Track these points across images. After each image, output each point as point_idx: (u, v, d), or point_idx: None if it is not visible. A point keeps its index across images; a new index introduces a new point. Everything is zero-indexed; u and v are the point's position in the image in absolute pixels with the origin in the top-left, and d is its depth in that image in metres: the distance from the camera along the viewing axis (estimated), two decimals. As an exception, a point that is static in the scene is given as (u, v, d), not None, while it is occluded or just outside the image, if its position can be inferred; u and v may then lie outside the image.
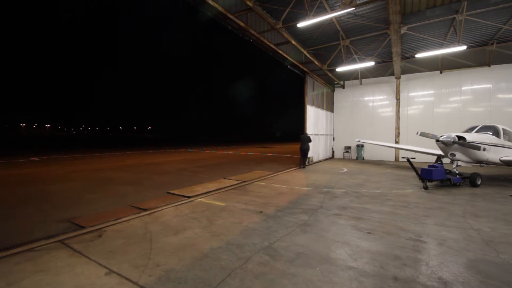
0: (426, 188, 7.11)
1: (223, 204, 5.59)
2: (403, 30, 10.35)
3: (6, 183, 7.98)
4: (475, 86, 13.16)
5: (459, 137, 7.33)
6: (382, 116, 15.90)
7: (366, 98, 16.53)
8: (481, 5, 9.23)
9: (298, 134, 13.71)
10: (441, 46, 11.56)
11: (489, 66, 12.71)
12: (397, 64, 13.19)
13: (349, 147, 16.81)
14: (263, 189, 7.19)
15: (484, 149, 7.39)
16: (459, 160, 7.55)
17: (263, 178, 8.99)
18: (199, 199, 5.97)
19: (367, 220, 4.50)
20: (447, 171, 7.53)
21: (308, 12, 8.20)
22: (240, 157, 19.05)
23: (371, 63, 12.72)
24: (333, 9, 8.33)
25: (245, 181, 8.24)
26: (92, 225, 4.23)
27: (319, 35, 11.86)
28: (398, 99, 15.11)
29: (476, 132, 8.16)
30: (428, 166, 7.36)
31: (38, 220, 4.64)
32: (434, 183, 7.48)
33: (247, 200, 5.93)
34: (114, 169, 11.54)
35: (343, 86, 17.29)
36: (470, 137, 7.42)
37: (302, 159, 12.35)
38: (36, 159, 15.22)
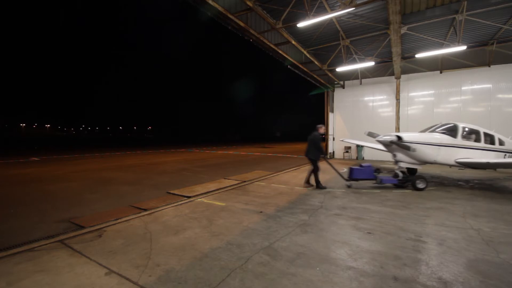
0: (349, 186, 7.28)
1: (223, 204, 5.58)
2: (403, 30, 10.35)
3: (6, 183, 7.98)
4: (475, 86, 13.15)
5: (400, 137, 6.90)
6: (382, 116, 15.89)
7: (366, 98, 16.52)
8: (481, 5, 9.22)
9: (298, 134, 13.74)
10: (441, 46, 11.56)
11: (489, 66, 12.70)
12: (397, 64, 13.18)
13: (349, 147, 16.80)
14: (263, 189, 7.18)
15: (415, 150, 6.88)
16: (401, 161, 7.21)
17: (263, 178, 8.99)
18: (199, 199, 5.96)
19: (367, 220, 4.50)
20: (376, 170, 7.41)
21: (308, 12, 8.20)
22: (240, 157, 19.05)
23: (371, 63, 12.71)
24: (333, 9, 8.33)
25: (245, 181, 8.24)
26: (92, 225, 4.23)
27: (319, 35, 11.86)
28: (398, 99, 15.10)
29: (431, 131, 7.64)
30: (360, 166, 7.37)
31: (38, 220, 4.64)
32: (389, 184, 7.29)
33: (247, 200, 5.93)
34: (114, 169, 11.54)
35: (343, 86, 17.29)
36: (408, 136, 6.99)
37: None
38: (36, 159, 15.23)
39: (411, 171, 9.62)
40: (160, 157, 17.68)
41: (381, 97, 15.98)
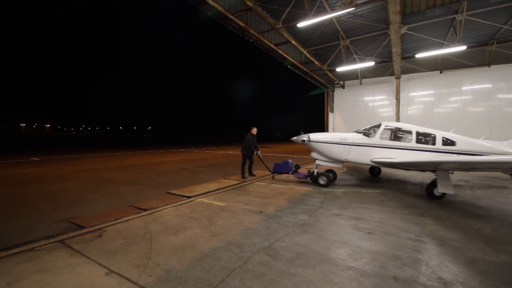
0: (273, 178, 8.50)
1: (223, 204, 5.58)
2: (403, 30, 10.36)
3: (6, 183, 7.97)
4: (475, 86, 13.16)
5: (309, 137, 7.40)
6: (382, 116, 15.90)
7: (366, 98, 16.54)
8: (481, 5, 9.24)
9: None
10: (441, 46, 11.57)
11: (489, 66, 12.71)
12: (397, 64, 13.20)
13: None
14: (263, 189, 7.18)
15: (312, 148, 7.52)
16: (316, 159, 7.73)
17: (263, 178, 8.98)
18: (199, 199, 5.96)
19: (367, 220, 4.50)
20: (296, 166, 8.28)
21: (308, 12, 8.21)
22: (240, 157, 19.01)
23: (371, 63, 12.73)
24: (333, 9, 8.33)
25: (245, 181, 8.24)
26: (92, 225, 4.22)
27: (319, 35, 11.87)
28: (398, 99, 15.12)
29: (358, 131, 7.64)
30: (283, 161, 8.33)
31: (38, 220, 4.64)
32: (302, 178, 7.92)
33: (247, 200, 5.93)
34: (114, 169, 11.54)
35: (343, 86, 17.30)
36: (315, 136, 7.38)
37: None
38: (36, 159, 15.22)
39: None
40: (160, 157, 17.67)
41: (381, 97, 16.00)
